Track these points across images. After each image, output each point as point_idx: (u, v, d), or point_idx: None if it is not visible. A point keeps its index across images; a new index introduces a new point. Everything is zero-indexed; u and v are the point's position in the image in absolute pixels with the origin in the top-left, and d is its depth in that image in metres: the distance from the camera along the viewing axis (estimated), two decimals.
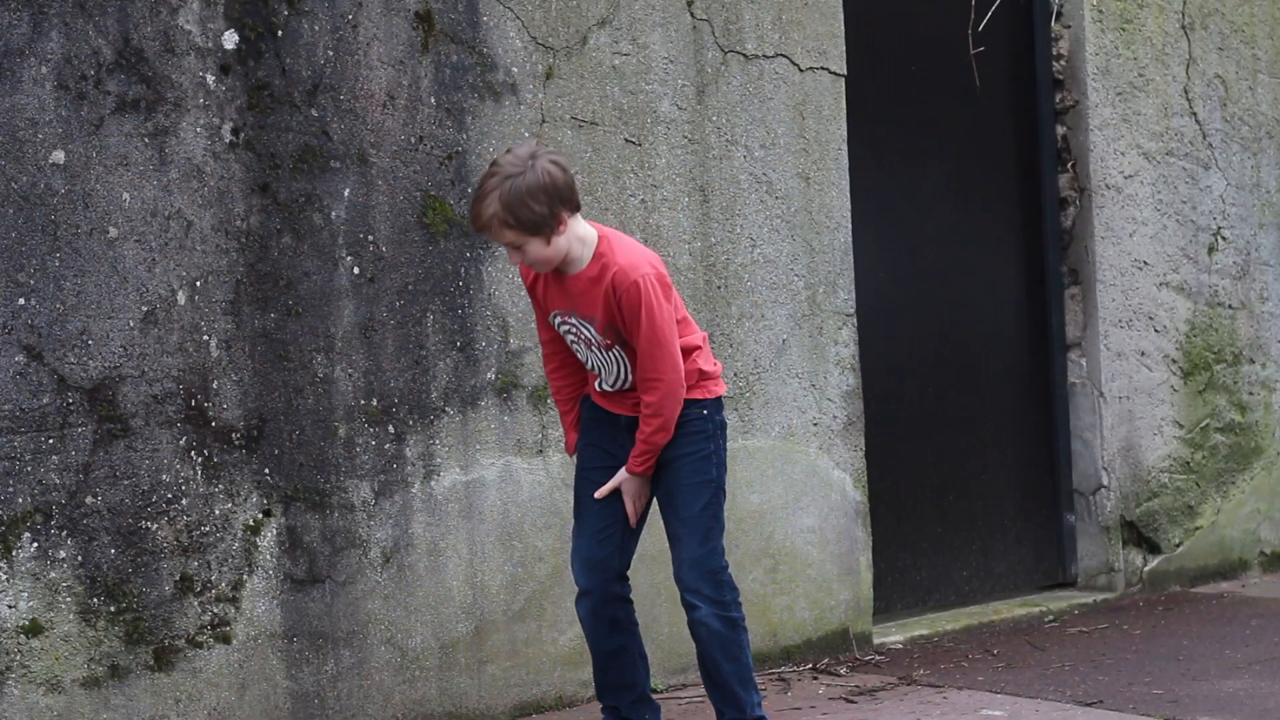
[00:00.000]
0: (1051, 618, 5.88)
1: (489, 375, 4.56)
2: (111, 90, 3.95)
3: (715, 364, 4.01)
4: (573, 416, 4.08)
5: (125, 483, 3.96)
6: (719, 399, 3.99)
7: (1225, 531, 6.55)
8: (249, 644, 4.14)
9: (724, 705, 3.97)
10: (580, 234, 3.78)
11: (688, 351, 3.90)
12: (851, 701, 4.71)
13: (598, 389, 3.99)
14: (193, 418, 4.06)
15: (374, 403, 4.36)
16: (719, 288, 5.00)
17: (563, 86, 4.71)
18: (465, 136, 4.52)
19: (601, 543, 3.98)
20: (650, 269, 3.79)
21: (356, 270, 4.34)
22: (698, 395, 3.93)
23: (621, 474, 3.94)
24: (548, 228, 3.69)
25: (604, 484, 3.98)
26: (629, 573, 4.05)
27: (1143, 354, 6.27)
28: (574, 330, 3.91)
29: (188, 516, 4.05)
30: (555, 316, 3.93)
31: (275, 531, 4.19)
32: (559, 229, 3.70)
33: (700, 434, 3.92)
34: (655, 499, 4.02)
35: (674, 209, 4.93)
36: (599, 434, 4.02)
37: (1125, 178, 6.23)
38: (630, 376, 3.90)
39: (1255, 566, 6.67)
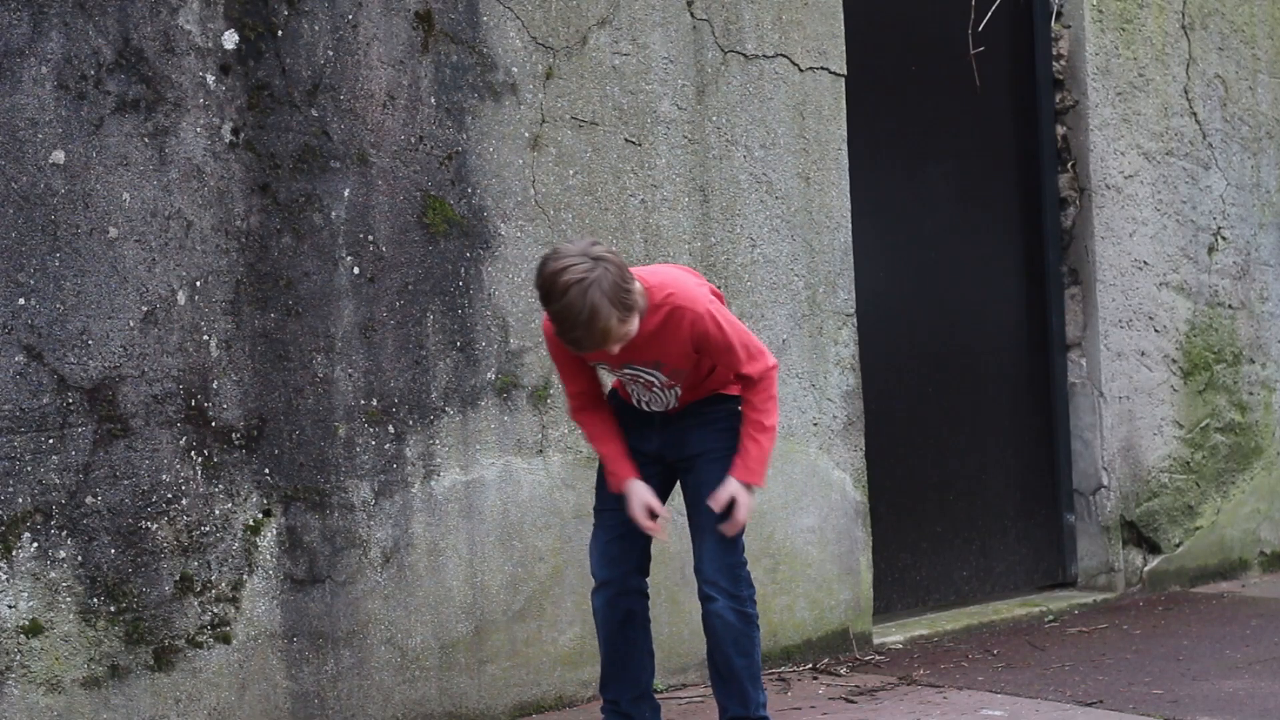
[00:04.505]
0: (1051, 618, 5.88)
1: (489, 375, 4.56)
2: (111, 90, 3.95)
3: None
4: (620, 446, 3.99)
5: (125, 483, 3.96)
6: None
7: (1225, 531, 6.55)
8: (249, 644, 4.14)
9: (730, 701, 3.98)
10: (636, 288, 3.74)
11: None
12: (851, 701, 4.71)
13: (637, 406, 4.02)
14: (193, 418, 4.06)
15: (374, 403, 4.36)
16: (719, 287, 5.00)
17: (563, 86, 4.71)
18: (465, 136, 4.52)
19: (623, 536, 4.01)
20: (704, 291, 3.82)
21: (356, 270, 4.34)
22: (734, 390, 3.96)
23: (734, 485, 3.88)
24: (638, 298, 3.66)
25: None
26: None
27: (1143, 354, 6.27)
28: (635, 377, 3.91)
29: (188, 516, 4.05)
30: (598, 366, 3.95)
31: (275, 531, 4.19)
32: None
33: (734, 430, 3.94)
34: (681, 489, 4.06)
35: (674, 209, 4.93)
36: (626, 429, 4.04)
37: (1125, 178, 6.23)
38: (675, 400, 3.95)
39: (1255, 566, 6.67)
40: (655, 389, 3.93)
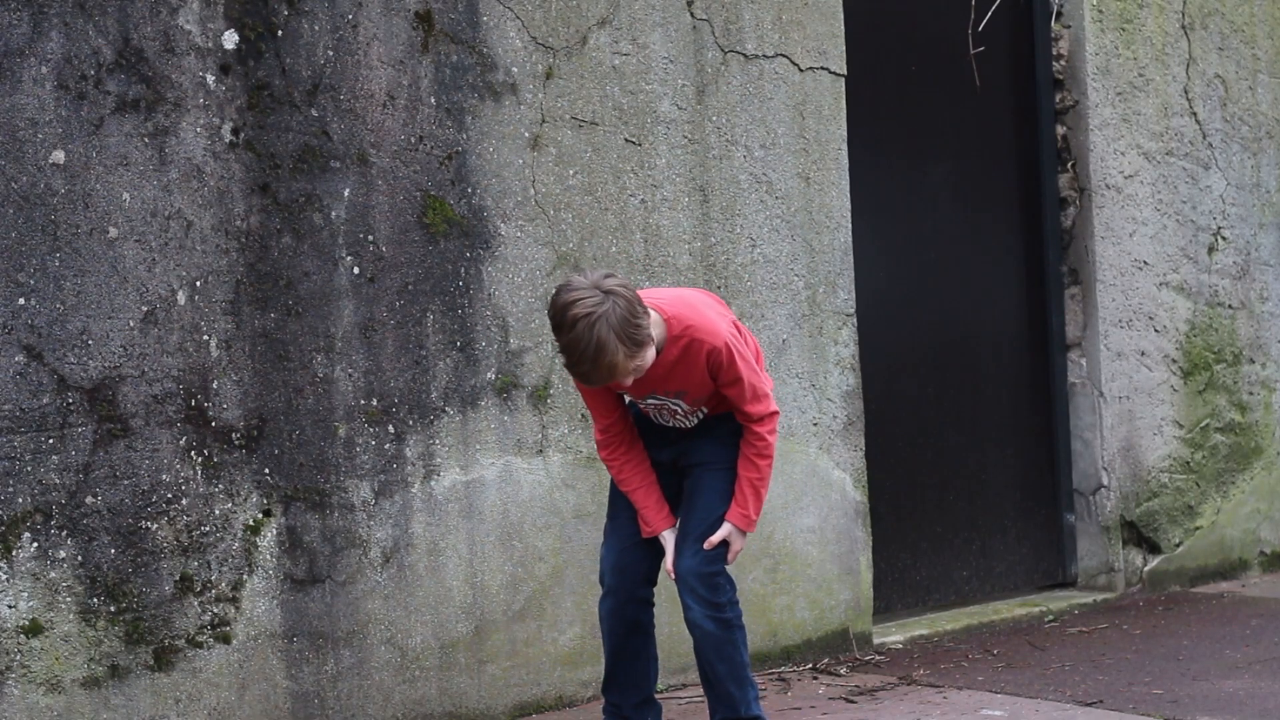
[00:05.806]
0: (1051, 618, 5.88)
1: (489, 375, 4.56)
2: (111, 90, 3.95)
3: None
4: (655, 494, 3.99)
5: (125, 483, 3.96)
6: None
7: (1225, 531, 6.55)
8: (249, 644, 4.14)
9: (718, 704, 4.00)
10: (653, 319, 3.71)
11: None
12: (851, 701, 4.71)
13: (656, 421, 4.02)
14: (193, 418, 4.06)
15: (374, 403, 4.36)
16: (719, 288, 5.00)
17: (563, 86, 4.71)
18: (465, 136, 4.52)
19: (634, 546, 4.02)
20: (726, 325, 3.80)
21: (356, 270, 4.34)
22: None
23: (729, 528, 3.92)
24: (649, 332, 3.64)
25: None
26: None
27: (1143, 354, 6.27)
28: (659, 405, 3.91)
29: (188, 516, 4.05)
30: (625, 397, 3.95)
31: (275, 531, 4.19)
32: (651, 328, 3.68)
33: (736, 444, 3.95)
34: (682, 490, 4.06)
35: (674, 209, 4.93)
36: (643, 436, 4.03)
37: (1125, 178, 6.23)
38: (698, 420, 3.96)
39: (1255, 566, 6.67)
40: (679, 415, 3.95)
